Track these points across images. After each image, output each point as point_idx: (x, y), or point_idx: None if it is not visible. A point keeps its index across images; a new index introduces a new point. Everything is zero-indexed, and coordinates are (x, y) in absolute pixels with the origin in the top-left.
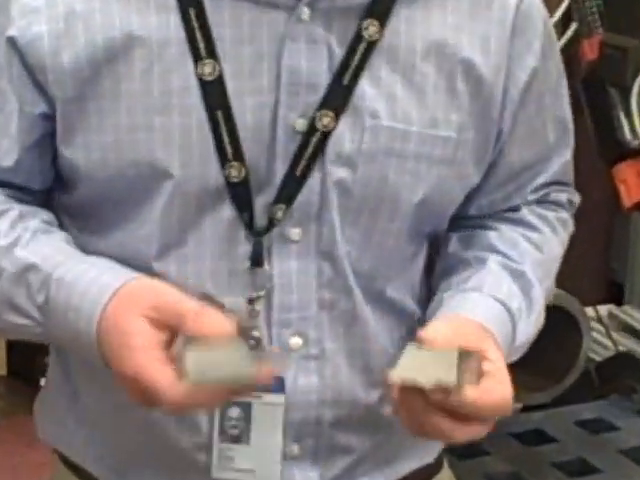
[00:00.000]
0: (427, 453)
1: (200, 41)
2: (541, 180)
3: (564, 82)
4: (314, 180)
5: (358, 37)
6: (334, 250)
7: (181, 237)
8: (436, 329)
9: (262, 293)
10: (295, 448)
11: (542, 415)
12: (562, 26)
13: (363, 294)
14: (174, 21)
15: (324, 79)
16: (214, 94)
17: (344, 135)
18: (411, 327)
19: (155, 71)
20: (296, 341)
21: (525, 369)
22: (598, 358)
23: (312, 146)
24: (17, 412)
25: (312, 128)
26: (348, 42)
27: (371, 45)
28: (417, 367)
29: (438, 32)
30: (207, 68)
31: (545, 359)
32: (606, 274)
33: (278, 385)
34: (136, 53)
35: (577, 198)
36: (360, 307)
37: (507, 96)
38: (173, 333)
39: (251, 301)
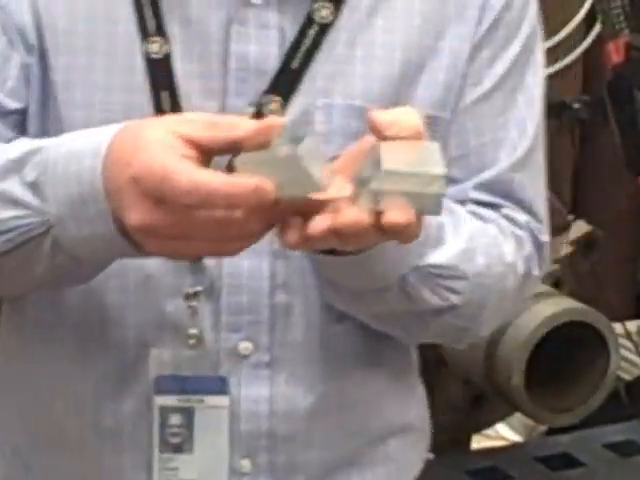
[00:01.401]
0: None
1: (149, 19)
2: (486, 175)
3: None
4: None
5: (310, 20)
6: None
7: None
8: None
9: (200, 288)
10: (246, 463)
11: (569, 438)
12: (585, 26)
13: (321, 297)
14: None
15: (274, 64)
16: (160, 73)
17: (295, 119)
18: (376, 333)
19: (99, 47)
20: (246, 346)
21: (550, 389)
22: (627, 377)
23: None
24: None
25: (259, 115)
26: (299, 25)
27: (324, 27)
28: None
29: (400, 13)
30: (154, 46)
31: (571, 378)
32: (634, 288)
33: (220, 386)
34: (79, 28)
35: (545, 238)
36: (320, 312)
37: (469, 75)
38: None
39: (189, 297)
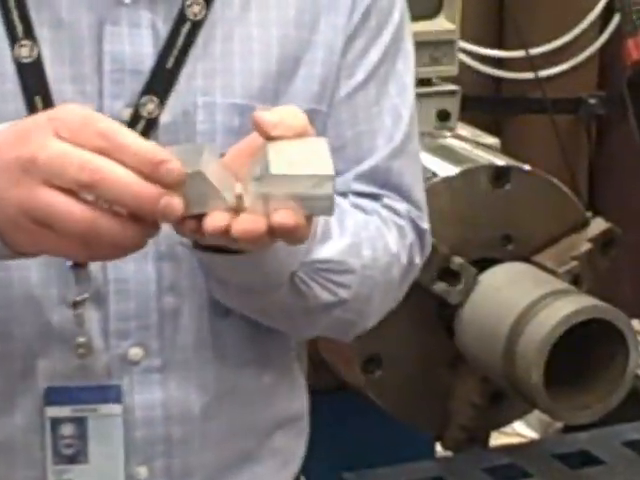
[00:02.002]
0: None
1: (17, 22)
2: (365, 165)
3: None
4: None
5: (182, 17)
6: (175, 249)
7: None
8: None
9: (86, 296)
10: (143, 470)
11: (587, 435)
12: (601, 22)
13: (214, 298)
14: None
15: (149, 64)
16: (32, 78)
17: (175, 120)
18: (263, 329)
19: None
20: (136, 352)
21: (569, 387)
22: None
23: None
24: None
25: (136, 116)
26: (171, 23)
27: (197, 24)
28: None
29: (274, 6)
30: (24, 50)
31: (590, 376)
32: None
33: (113, 394)
34: None
35: (425, 225)
36: (210, 313)
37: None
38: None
39: (75, 305)
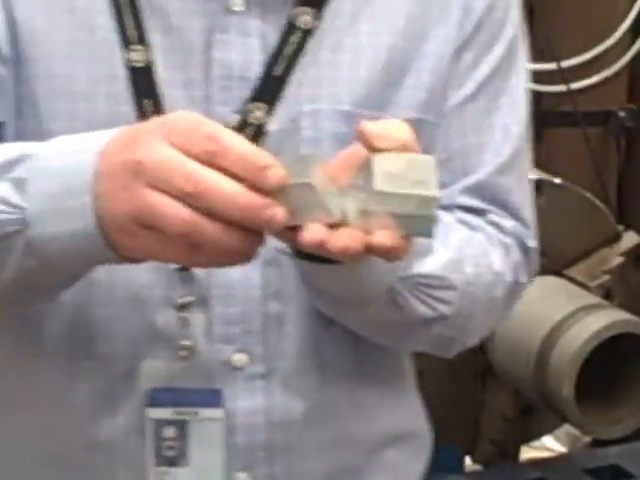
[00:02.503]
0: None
1: (130, 27)
2: (472, 179)
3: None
4: None
5: (291, 26)
6: (280, 255)
7: None
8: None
9: (191, 299)
10: (243, 477)
11: (618, 450)
12: (631, 35)
13: (316, 307)
14: (101, 7)
15: (257, 71)
16: (143, 82)
17: (283, 127)
18: (366, 341)
19: (80, 56)
20: (240, 358)
21: (600, 401)
22: None
23: None
24: None
25: (244, 122)
26: (281, 32)
27: (307, 33)
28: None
29: (384, 17)
30: (136, 54)
31: (621, 390)
32: None
33: (215, 398)
34: (60, 37)
35: (532, 243)
36: (313, 320)
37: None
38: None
39: (180, 308)
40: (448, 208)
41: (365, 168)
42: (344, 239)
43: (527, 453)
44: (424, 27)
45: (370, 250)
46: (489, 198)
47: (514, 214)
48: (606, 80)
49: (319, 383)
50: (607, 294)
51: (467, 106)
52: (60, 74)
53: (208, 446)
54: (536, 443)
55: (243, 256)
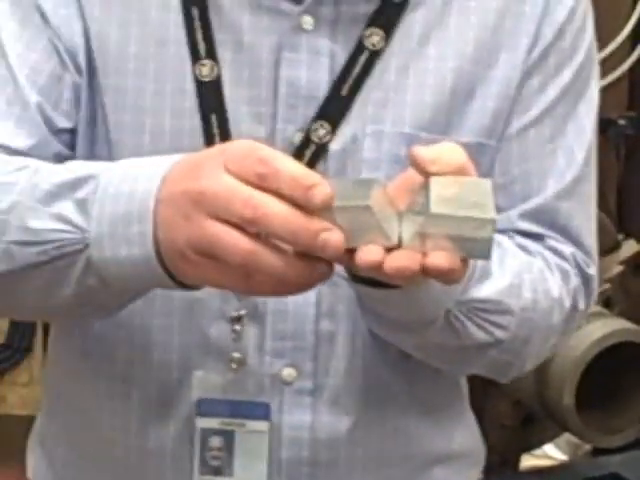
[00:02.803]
0: None
1: (200, 42)
2: (532, 204)
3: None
4: None
5: (360, 46)
6: (334, 274)
7: None
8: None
9: (245, 312)
10: None
11: (618, 458)
12: (631, 43)
13: (367, 327)
14: (174, 21)
15: (324, 91)
16: (210, 96)
17: (344, 147)
18: (432, 373)
19: (149, 70)
20: (289, 372)
21: (600, 409)
22: None
23: (306, 159)
24: None
25: (307, 140)
26: (350, 52)
27: (375, 54)
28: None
29: (453, 41)
30: (205, 69)
31: (621, 399)
32: None
33: (262, 411)
34: (131, 49)
35: (592, 271)
36: (364, 340)
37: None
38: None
39: (233, 320)
40: (506, 232)
41: (422, 191)
42: (400, 260)
43: (528, 461)
44: (492, 53)
45: (426, 272)
46: (548, 223)
47: (574, 240)
48: (606, 88)
49: (366, 402)
50: (607, 302)
51: (530, 131)
52: (128, 88)
53: (253, 458)
54: (537, 451)
55: (301, 287)
